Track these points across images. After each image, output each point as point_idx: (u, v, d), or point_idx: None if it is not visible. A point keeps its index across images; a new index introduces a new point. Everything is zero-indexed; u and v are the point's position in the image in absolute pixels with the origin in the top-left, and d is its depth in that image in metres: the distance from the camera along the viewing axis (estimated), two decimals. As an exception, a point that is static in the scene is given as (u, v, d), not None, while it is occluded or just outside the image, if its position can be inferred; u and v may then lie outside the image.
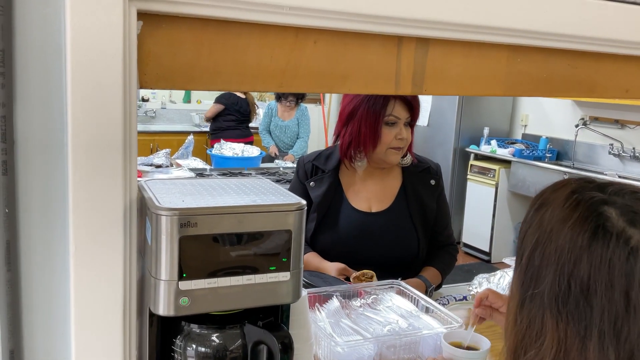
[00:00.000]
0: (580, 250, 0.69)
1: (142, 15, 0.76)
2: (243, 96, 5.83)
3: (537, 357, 0.72)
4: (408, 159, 1.74)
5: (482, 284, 1.35)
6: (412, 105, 1.68)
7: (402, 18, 0.91)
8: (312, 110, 6.35)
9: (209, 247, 0.74)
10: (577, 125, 4.99)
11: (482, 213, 5.23)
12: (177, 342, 0.80)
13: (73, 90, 0.69)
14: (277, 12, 0.83)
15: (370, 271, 1.53)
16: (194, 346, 0.80)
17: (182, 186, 0.83)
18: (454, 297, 1.62)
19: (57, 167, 0.72)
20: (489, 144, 5.28)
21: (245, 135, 5.61)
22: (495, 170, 5.12)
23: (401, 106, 1.65)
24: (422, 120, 5.51)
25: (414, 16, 0.91)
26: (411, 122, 1.70)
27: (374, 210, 1.71)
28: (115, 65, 0.72)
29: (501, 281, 1.29)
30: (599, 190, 0.75)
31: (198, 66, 0.83)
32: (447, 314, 1.15)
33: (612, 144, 4.76)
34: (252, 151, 4.71)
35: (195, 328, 0.81)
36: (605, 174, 4.48)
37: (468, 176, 5.36)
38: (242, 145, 4.77)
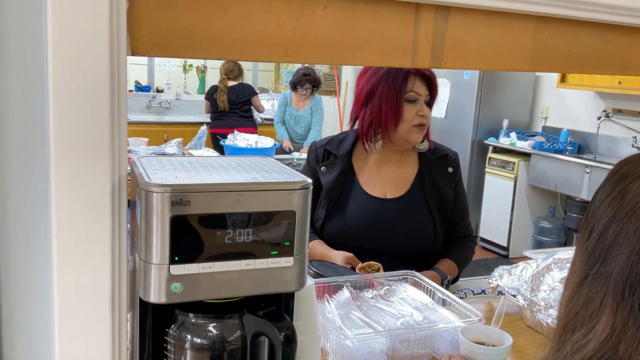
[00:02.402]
0: None
1: (133, -26, 0.70)
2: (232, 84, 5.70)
3: (584, 338, 0.64)
4: (425, 144, 1.66)
5: (502, 276, 1.27)
6: (431, 82, 1.62)
7: (420, -18, 0.83)
8: (327, 102, 6.27)
9: (204, 228, 0.67)
10: (599, 118, 4.85)
11: (500, 207, 5.12)
12: (171, 332, 0.74)
13: (54, 52, 0.63)
14: (282, -27, 0.76)
15: (377, 263, 1.44)
16: (189, 337, 0.73)
17: (177, 163, 0.77)
18: (472, 291, 1.54)
19: (39, 143, 0.66)
20: (508, 136, 5.16)
21: (229, 125, 5.49)
22: (514, 163, 5.00)
23: (421, 82, 1.59)
24: (440, 112, 5.41)
25: (433, -19, 0.84)
26: (430, 101, 1.63)
27: (389, 197, 1.62)
28: (101, 27, 0.65)
29: (523, 273, 1.21)
30: None
31: (195, 32, 0.76)
32: (465, 307, 1.07)
33: (635, 137, 4.62)
34: (266, 142, 4.65)
35: (190, 317, 0.74)
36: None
37: (486, 169, 5.25)
38: (255, 136, 4.71)
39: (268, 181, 0.70)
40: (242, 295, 0.72)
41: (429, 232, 1.59)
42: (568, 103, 5.25)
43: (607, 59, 1.03)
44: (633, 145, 4.63)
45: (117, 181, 0.68)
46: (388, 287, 1.15)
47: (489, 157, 5.22)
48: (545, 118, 5.46)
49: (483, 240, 5.34)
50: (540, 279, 1.16)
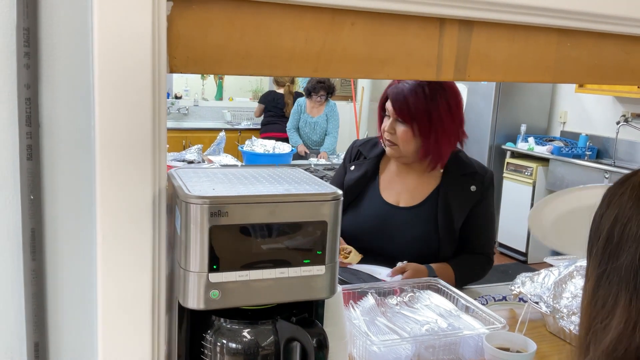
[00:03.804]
0: None
1: (172, -5, 0.73)
2: (281, 91, 5.96)
3: (602, 332, 0.67)
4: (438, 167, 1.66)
5: (525, 283, 1.28)
6: (397, 103, 1.57)
7: (444, -2, 0.86)
8: (343, 107, 6.30)
9: (241, 238, 0.70)
10: (618, 122, 4.82)
11: (518, 212, 5.10)
12: (208, 337, 0.77)
13: (100, 73, 0.66)
14: (312, -8, 0.79)
15: (350, 247, 1.47)
16: (224, 342, 0.76)
17: (213, 175, 0.80)
18: (493, 297, 1.56)
19: (84, 152, 0.69)
20: (526, 141, 5.15)
21: (285, 130, 5.66)
22: (532, 168, 4.98)
23: (391, 100, 1.59)
24: (457, 117, 5.40)
25: (457, -4, 0.86)
26: (404, 121, 1.58)
27: (402, 205, 1.65)
28: (144, 47, 0.69)
29: (546, 280, 1.23)
30: None
31: (229, 49, 0.79)
32: (489, 313, 1.09)
33: (655, 142, 4.59)
34: (284, 148, 4.68)
35: (226, 323, 0.77)
36: (649, 173, 4.30)
37: (504, 174, 5.24)
38: (273, 141, 4.75)
39: (300, 193, 0.73)
40: (276, 302, 0.75)
41: (433, 245, 1.59)
42: (586, 108, 5.22)
43: (628, 70, 1.04)
44: (653, 150, 4.60)
45: (158, 192, 0.72)
46: (412, 294, 1.18)
47: (507, 162, 5.21)
48: (564, 123, 5.44)
49: (501, 245, 5.33)
50: (563, 286, 1.18)
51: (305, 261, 0.73)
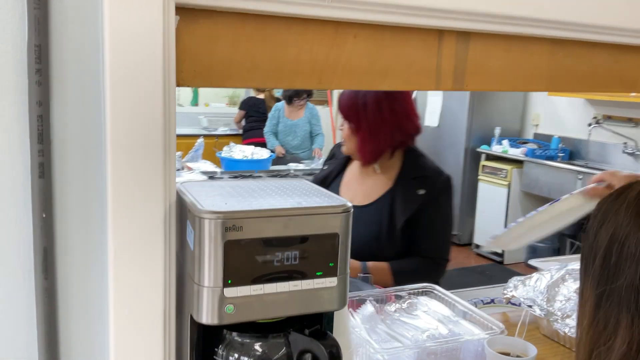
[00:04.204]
0: None
1: (179, 9, 0.73)
2: (261, 96, 5.98)
3: (606, 354, 0.68)
4: (390, 163, 1.73)
5: (517, 286, 1.31)
6: (340, 102, 1.72)
7: (443, 9, 0.87)
8: (319, 112, 6.31)
9: (255, 252, 0.70)
10: (590, 124, 4.94)
11: (494, 214, 5.18)
12: (219, 351, 0.77)
13: (112, 89, 0.66)
14: (317, 4, 0.80)
15: None
16: (236, 355, 0.76)
17: (221, 189, 0.80)
18: (481, 300, 1.58)
19: (95, 169, 0.69)
20: (501, 143, 5.23)
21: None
22: (507, 170, 5.07)
23: (338, 99, 1.74)
24: (433, 120, 5.47)
25: (455, 7, 0.88)
26: (344, 118, 1.71)
27: (354, 204, 1.68)
28: (155, 62, 0.69)
29: (538, 284, 1.25)
30: None
31: (235, 62, 0.79)
32: (487, 318, 1.11)
33: (625, 143, 4.71)
34: (262, 153, 4.68)
35: (237, 336, 0.77)
36: (620, 173, 4.42)
37: (479, 177, 5.31)
38: (252, 147, 4.74)
39: (312, 205, 0.73)
40: (289, 315, 0.75)
41: (375, 244, 1.64)
42: (559, 110, 5.33)
43: (617, 78, 1.07)
44: (623, 151, 4.72)
45: (169, 207, 0.72)
46: (410, 300, 1.19)
47: (482, 165, 5.28)
48: (537, 125, 5.54)
49: (478, 247, 5.40)
50: (556, 289, 1.21)
51: (318, 273, 0.74)
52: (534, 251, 5.02)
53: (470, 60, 0.95)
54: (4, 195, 0.64)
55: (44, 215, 0.65)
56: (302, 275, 0.73)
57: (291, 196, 0.77)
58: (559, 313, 1.18)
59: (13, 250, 0.66)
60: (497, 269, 5.10)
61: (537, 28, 0.96)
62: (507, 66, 0.98)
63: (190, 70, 0.77)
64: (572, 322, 1.14)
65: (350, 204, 0.75)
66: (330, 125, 6.68)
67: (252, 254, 0.70)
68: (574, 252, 4.71)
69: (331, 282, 0.74)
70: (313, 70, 0.84)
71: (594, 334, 0.70)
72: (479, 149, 5.32)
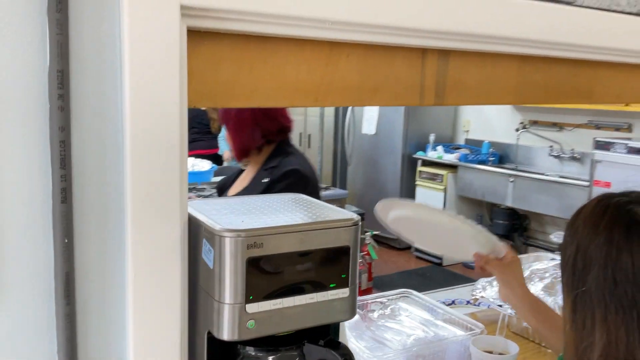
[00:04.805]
0: (619, 244, 0.74)
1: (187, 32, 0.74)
2: (204, 107, 5.88)
3: (590, 350, 0.75)
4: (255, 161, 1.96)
5: (485, 287, 1.38)
6: (219, 111, 2.08)
7: (426, 30, 0.93)
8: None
9: (274, 267, 0.72)
10: (517, 129, 5.21)
11: (432, 217, 5.35)
12: (236, 367, 0.78)
13: (131, 113, 0.66)
14: (314, 26, 0.83)
15: None
16: (252, 370, 0.78)
17: (229, 207, 0.81)
18: (443, 302, 1.65)
19: (113, 194, 0.69)
20: (435, 149, 5.42)
21: (211, 146, 5.55)
22: (443, 175, 5.26)
23: None
24: (370, 128, 5.60)
25: (436, 28, 0.93)
26: (225, 125, 1.99)
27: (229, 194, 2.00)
28: (173, 86, 0.70)
29: (505, 284, 1.33)
30: (622, 196, 0.81)
31: (239, 83, 0.81)
32: (466, 320, 1.17)
33: (551, 146, 5.00)
34: (203, 165, 4.62)
35: (251, 351, 0.79)
36: (547, 175, 4.69)
37: (417, 182, 5.48)
38: (192, 159, 4.68)
39: (326, 220, 0.76)
40: (306, 327, 0.77)
41: None
42: (488, 117, 5.59)
43: (575, 90, 1.17)
44: (549, 154, 5.01)
45: (183, 227, 0.72)
46: (392, 306, 1.23)
47: (419, 171, 5.45)
48: (467, 131, 5.79)
49: (418, 250, 5.55)
50: (523, 288, 1.28)
51: (332, 285, 0.76)
52: (471, 252, 5.21)
53: (450, 77, 1.01)
54: (27, 220, 0.63)
55: (66, 241, 0.65)
56: (317, 287, 0.75)
57: (298, 211, 0.80)
58: (528, 310, 1.26)
59: (34, 275, 0.65)
60: (436, 270, 5.27)
61: (506, 46, 1.03)
62: (481, 81, 1.05)
63: (197, 91, 0.78)
64: (541, 318, 1.22)
65: (358, 217, 0.79)
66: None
67: (271, 270, 0.72)
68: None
69: (344, 292, 0.77)
70: (311, 89, 0.87)
71: (577, 336, 0.77)
72: (415, 155, 5.49)
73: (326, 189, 4.32)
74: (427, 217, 1.13)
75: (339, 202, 3.94)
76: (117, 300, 0.71)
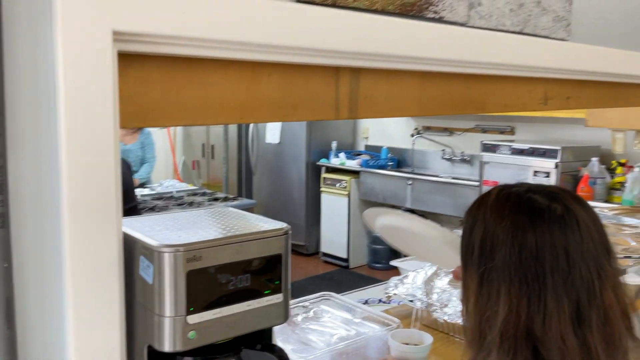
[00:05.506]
0: (524, 227, 0.86)
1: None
2: None
3: (494, 318, 0.85)
4: None
5: (397, 285, 1.48)
6: None
7: (338, 51, 1.00)
8: (156, 132, 6.17)
9: (213, 279, 0.76)
10: (412, 135, 5.49)
11: (337, 222, 5.51)
12: (176, 377, 0.80)
13: (67, 136, 0.68)
14: (238, 48, 0.88)
15: None
16: (192, 379, 0.81)
17: (162, 222, 0.84)
18: (359, 302, 1.75)
19: (50, 216, 0.69)
20: (338, 156, 5.59)
21: None
22: (346, 181, 5.42)
23: None
24: (274, 138, 5.66)
25: (348, 49, 1.01)
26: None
27: None
28: (107, 109, 0.72)
29: (415, 280, 1.44)
30: (519, 187, 0.94)
31: (168, 103, 0.84)
32: (383, 316, 1.26)
33: (444, 150, 5.32)
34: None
35: (190, 361, 0.81)
36: (441, 177, 4.99)
37: (322, 188, 5.61)
38: None
39: (260, 230, 0.81)
40: (244, 333, 0.81)
41: None
42: (385, 124, 5.85)
43: (469, 102, 1.30)
44: (442, 157, 5.32)
45: (119, 245, 0.75)
46: (315, 309, 1.30)
47: (323, 177, 5.59)
48: (367, 138, 6.01)
49: (325, 255, 5.69)
50: (431, 283, 1.40)
51: (266, 292, 0.81)
52: (375, 252, 5.42)
53: (361, 92, 1.10)
54: (-36, 249, 0.63)
55: (5, 265, 0.65)
56: (253, 295, 0.80)
57: (228, 223, 0.84)
58: (437, 303, 1.37)
59: (-27, 304, 0.64)
60: (344, 273, 5.42)
61: (408, 64, 1.14)
62: (389, 96, 1.14)
63: (127, 112, 0.80)
64: (449, 310, 1.34)
65: (288, 226, 0.84)
66: (169, 148, 6.57)
67: (210, 281, 0.76)
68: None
69: (278, 298, 0.83)
70: (235, 107, 0.92)
71: (481, 306, 0.88)
72: (319, 163, 5.62)
73: (233, 199, 4.33)
74: (407, 226, 1.17)
75: (248, 212, 3.96)
76: (57, 320, 0.71)
